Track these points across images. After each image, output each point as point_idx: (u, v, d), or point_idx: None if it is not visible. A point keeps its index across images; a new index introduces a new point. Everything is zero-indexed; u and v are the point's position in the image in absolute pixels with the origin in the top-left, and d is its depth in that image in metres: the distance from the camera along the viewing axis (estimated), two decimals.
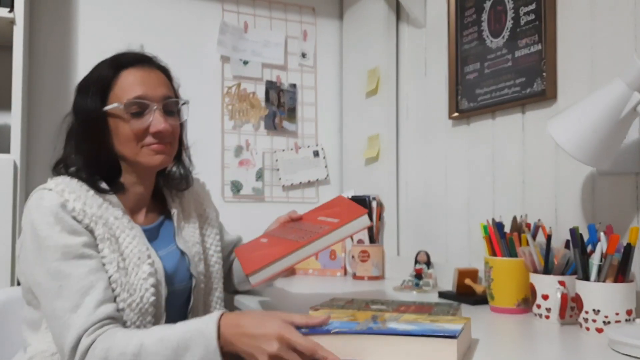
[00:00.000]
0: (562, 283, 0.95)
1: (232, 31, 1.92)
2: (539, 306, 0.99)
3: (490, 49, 1.38)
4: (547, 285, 0.97)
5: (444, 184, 1.56)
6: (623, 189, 1.06)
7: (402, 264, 1.63)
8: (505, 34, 1.33)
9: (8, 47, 1.47)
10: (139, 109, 0.96)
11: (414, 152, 1.70)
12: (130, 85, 0.96)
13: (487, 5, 1.39)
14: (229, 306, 1.23)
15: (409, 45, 1.74)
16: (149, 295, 0.92)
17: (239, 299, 1.23)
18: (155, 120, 0.96)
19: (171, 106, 1.01)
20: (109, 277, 0.90)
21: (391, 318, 0.82)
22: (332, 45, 2.10)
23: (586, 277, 0.91)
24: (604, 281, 0.89)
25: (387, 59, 1.77)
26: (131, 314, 0.90)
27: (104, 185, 0.98)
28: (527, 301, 1.06)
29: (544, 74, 1.21)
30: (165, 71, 1.04)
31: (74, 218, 0.90)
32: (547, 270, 1.00)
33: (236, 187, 1.92)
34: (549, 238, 1.01)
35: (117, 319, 0.88)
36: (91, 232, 0.91)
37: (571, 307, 0.95)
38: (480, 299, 1.17)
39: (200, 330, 0.81)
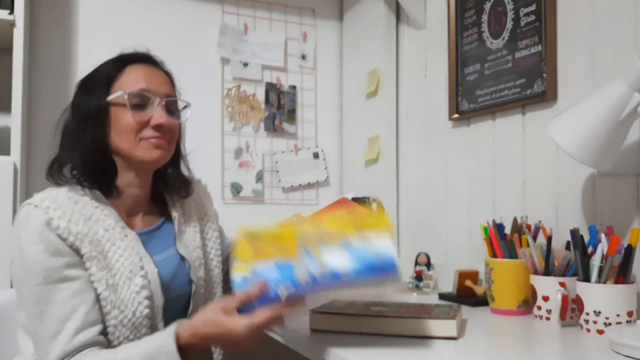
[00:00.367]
0: (562, 284, 0.95)
1: (232, 33, 1.92)
2: (539, 308, 0.99)
3: (491, 50, 1.38)
4: (548, 287, 0.97)
5: (444, 185, 1.56)
6: (624, 190, 1.06)
7: (402, 266, 1.63)
8: (506, 35, 1.33)
9: (8, 50, 1.47)
10: (141, 101, 0.95)
11: (414, 154, 1.70)
12: (136, 78, 0.96)
13: (487, 6, 1.39)
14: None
15: (409, 46, 1.74)
16: (142, 309, 0.91)
17: None
18: (157, 113, 0.96)
19: (172, 105, 1.01)
20: (99, 295, 0.88)
21: (323, 246, 0.80)
22: (332, 46, 2.10)
23: (587, 279, 0.91)
24: (604, 282, 0.89)
25: (387, 60, 1.77)
26: (123, 330, 0.90)
27: (97, 193, 0.95)
28: (528, 303, 1.06)
29: (544, 75, 1.21)
30: (169, 75, 1.04)
31: (59, 236, 0.87)
32: (548, 271, 1.00)
33: (236, 189, 1.92)
34: (549, 239, 1.01)
35: (99, 343, 0.87)
36: (77, 250, 0.89)
37: (572, 309, 0.95)
38: (481, 301, 1.17)
39: (161, 346, 0.83)
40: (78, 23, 1.75)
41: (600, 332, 0.87)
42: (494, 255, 1.11)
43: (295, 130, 2.02)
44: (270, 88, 1.98)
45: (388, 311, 0.91)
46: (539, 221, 1.12)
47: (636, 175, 1.04)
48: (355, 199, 1.73)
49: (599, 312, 0.87)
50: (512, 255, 1.09)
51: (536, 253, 1.02)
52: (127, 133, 0.95)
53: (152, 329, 0.94)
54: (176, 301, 1.00)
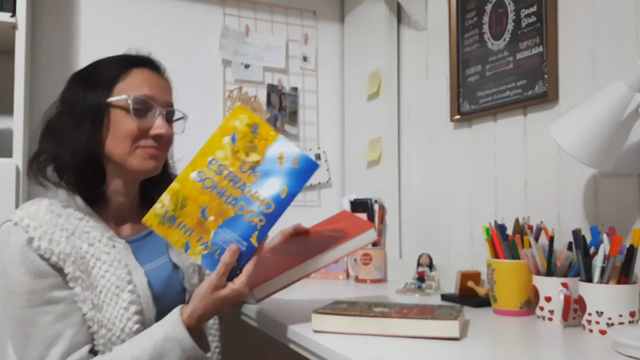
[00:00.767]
0: (565, 285, 0.95)
1: (234, 35, 1.93)
2: (542, 308, 0.99)
3: (492, 52, 1.38)
4: (550, 287, 0.97)
5: (445, 186, 1.56)
6: (625, 191, 1.06)
7: (404, 267, 1.63)
8: (507, 36, 1.33)
9: (10, 52, 1.48)
10: (143, 107, 0.92)
11: (415, 155, 1.70)
12: (141, 83, 0.93)
13: (488, 7, 1.40)
14: (236, 312, 1.23)
15: (410, 48, 1.75)
16: (132, 325, 0.88)
17: (247, 305, 1.22)
18: (158, 123, 0.94)
19: (171, 115, 0.99)
20: (84, 315, 0.86)
21: (245, 187, 0.85)
22: (334, 48, 2.10)
23: (589, 279, 0.91)
24: (607, 283, 0.88)
25: (389, 61, 1.77)
26: (113, 347, 0.87)
27: (81, 201, 0.92)
28: (530, 303, 1.06)
29: (546, 76, 1.21)
30: (170, 83, 1.02)
31: (41, 256, 0.84)
32: (550, 272, 1.00)
33: None
34: (551, 240, 1.01)
35: None
36: (60, 270, 0.86)
37: (574, 309, 0.95)
38: (483, 302, 1.17)
39: (169, 336, 0.84)
40: (80, 25, 1.76)
41: (603, 332, 0.87)
42: (496, 256, 1.11)
43: (297, 131, 2.02)
44: (272, 90, 1.99)
45: (390, 312, 0.91)
46: (541, 222, 1.12)
47: (638, 175, 1.04)
48: (357, 201, 1.73)
49: (602, 313, 0.87)
50: (514, 256, 1.09)
51: (538, 254, 1.02)
52: (124, 139, 0.91)
53: None
54: (169, 310, 0.98)
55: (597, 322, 0.87)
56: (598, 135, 0.92)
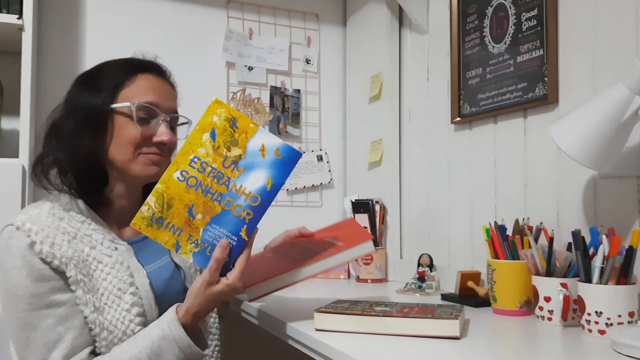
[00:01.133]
0: (564, 285, 0.96)
1: (237, 37, 1.94)
2: (541, 308, 1.00)
3: (492, 55, 1.39)
4: (550, 288, 0.98)
5: (446, 187, 1.57)
6: (625, 192, 1.07)
7: (405, 267, 1.64)
8: (507, 39, 1.35)
9: (17, 53, 1.50)
10: (147, 115, 0.93)
11: (416, 156, 1.71)
12: (146, 89, 0.93)
13: (489, 11, 1.41)
14: (236, 310, 1.24)
15: (411, 50, 1.76)
16: (134, 327, 0.88)
17: (247, 303, 1.23)
18: (161, 130, 0.94)
19: (175, 121, 0.99)
20: (86, 318, 0.86)
21: (230, 181, 0.85)
22: (336, 51, 2.12)
23: (588, 280, 0.91)
24: (606, 283, 0.89)
25: (390, 64, 1.79)
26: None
27: (83, 204, 0.92)
28: (530, 303, 1.07)
29: (546, 78, 1.23)
30: (175, 87, 1.02)
31: (43, 260, 0.84)
32: (550, 272, 1.01)
33: None
34: (551, 241, 1.02)
35: None
36: (62, 273, 0.86)
37: (573, 309, 0.96)
38: (483, 302, 1.18)
39: (165, 335, 0.84)
40: (85, 28, 1.77)
41: (602, 332, 0.88)
42: (496, 256, 1.12)
43: (300, 133, 2.03)
44: (275, 92, 2.00)
45: (391, 311, 0.92)
46: (541, 223, 1.13)
47: (637, 177, 1.05)
48: (358, 201, 1.74)
49: (601, 313, 0.88)
50: (514, 256, 1.10)
51: (538, 254, 1.03)
52: (127, 145, 0.92)
53: None
54: None
55: (596, 322, 0.88)
56: (598, 137, 0.93)
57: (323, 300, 1.14)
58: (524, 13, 1.29)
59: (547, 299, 0.99)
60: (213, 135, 0.86)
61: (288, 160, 0.86)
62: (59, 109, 0.97)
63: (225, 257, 0.85)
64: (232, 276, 0.85)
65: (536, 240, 1.08)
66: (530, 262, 1.04)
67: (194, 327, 0.87)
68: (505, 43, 1.35)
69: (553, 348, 0.85)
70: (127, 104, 0.92)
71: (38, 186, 0.94)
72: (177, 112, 0.99)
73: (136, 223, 0.85)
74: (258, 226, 0.88)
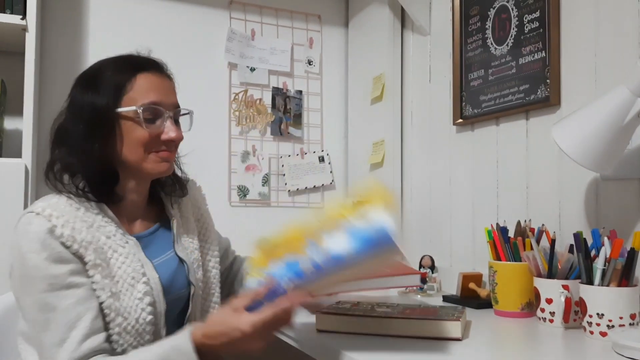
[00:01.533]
0: (566, 287, 0.96)
1: (240, 38, 1.95)
2: (543, 310, 1.00)
3: (495, 56, 1.39)
4: (551, 289, 0.98)
5: (448, 189, 1.58)
6: (626, 194, 1.07)
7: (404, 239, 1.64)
8: (510, 41, 1.35)
9: (20, 54, 1.50)
10: (152, 115, 0.94)
11: (418, 158, 1.72)
12: (147, 89, 0.95)
13: (492, 13, 1.41)
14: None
15: (413, 52, 1.76)
16: (145, 315, 0.90)
17: None
18: (167, 127, 0.96)
19: (179, 115, 1.01)
20: (101, 304, 0.87)
21: (325, 235, 0.79)
22: (338, 52, 2.12)
23: (590, 282, 0.92)
24: (607, 285, 0.89)
25: (392, 65, 1.79)
26: (127, 337, 0.89)
27: (97, 195, 0.94)
28: (531, 305, 1.07)
29: (548, 80, 1.23)
30: (173, 80, 1.03)
31: (63, 244, 0.86)
32: (551, 274, 1.01)
33: (243, 191, 1.94)
34: (552, 242, 1.02)
35: (105, 351, 0.86)
36: (80, 258, 0.87)
37: (575, 311, 0.96)
38: (485, 303, 1.18)
39: (176, 346, 0.83)
40: (88, 28, 1.78)
41: (604, 334, 0.88)
42: (497, 258, 1.12)
43: (301, 134, 2.04)
44: (277, 93, 2.00)
45: (393, 312, 0.92)
46: (543, 225, 1.13)
47: (639, 179, 1.05)
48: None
49: (602, 315, 0.88)
50: (516, 258, 1.10)
51: (540, 256, 1.03)
52: (137, 146, 0.94)
53: (155, 335, 0.94)
54: (175, 304, 1.00)
55: (598, 324, 0.88)
56: (599, 139, 0.93)
57: (341, 297, 1.14)
58: (526, 15, 1.30)
59: (549, 301, 0.99)
60: (351, 204, 0.82)
61: (373, 243, 0.76)
62: (62, 114, 0.98)
63: (261, 295, 0.81)
64: (250, 317, 0.80)
65: (538, 242, 1.08)
66: (532, 264, 1.04)
67: (207, 348, 0.85)
68: (507, 45, 1.36)
69: (554, 350, 0.86)
70: (133, 107, 0.93)
71: (51, 188, 0.95)
72: (179, 106, 1.01)
73: (258, 243, 0.87)
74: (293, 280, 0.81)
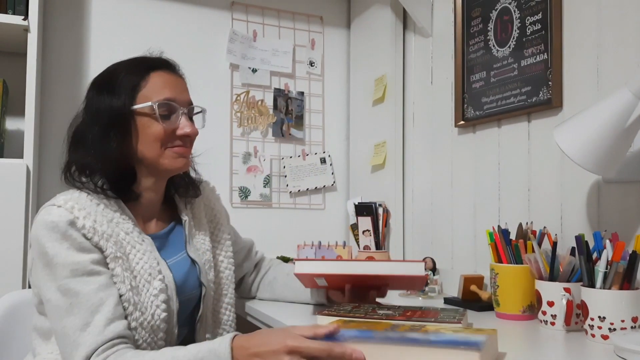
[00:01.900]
0: (567, 290, 0.96)
1: (242, 40, 1.95)
2: (544, 313, 1.00)
3: (497, 58, 1.39)
4: (553, 292, 0.98)
5: (449, 191, 1.57)
6: (629, 197, 1.06)
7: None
8: (512, 43, 1.35)
9: (22, 54, 1.50)
10: (166, 111, 0.96)
11: (420, 160, 1.71)
12: (161, 87, 0.97)
13: (494, 15, 1.41)
14: (240, 312, 1.24)
15: (415, 54, 1.76)
16: (160, 312, 0.92)
17: (250, 305, 1.23)
18: (182, 123, 0.98)
19: (192, 112, 1.03)
20: (121, 296, 0.89)
21: (412, 329, 0.79)
22: (340, 53, 2.12)
23: (592, 284, 0.91)
24: (609, 288, 0.89)
25: (394, 67, 1.79)
26: (142, 332, 0.90)
27: (116, 193, 0.96)
28: (533, 308, 1.07)
29: (550, 82, 1.23)
30: (185, 79, 1.05)
31: (84, 236, 0.88)
32: (553, 277, 1.01)
33: (244, 193, 1.94)
34: (554, 245, 1.01)
35: (127, 337, 0.87)
36: (101, 249, 0.89)
37: (577, 314, 0.96)
38: (486, 305, 1.17)
39: (213, 350, 0.79)
40: (90, 29, 1.78)
41: (605, 337, 0.88)
42: (499, 260, 1.12)
43: (303, 135, 2.04)
44: (279, 94, 2.00)
45: (394, 314, 0.92)
46: (544, 227, 1.13)
47: None
48: (361, 204, 1.74)
49: (604, 318, 0.88)
50: (517, 260, 1.10)
51: (541, 258, 1.03)
52: (153, 142, 0.96)
53: (168, 333, 0.95)
54: (187, 304, 1.02)
55: (600, 327, 0.88)
56: (601, 142, 0.93)
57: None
58: (529, 17, 1.29)
59: (550, 304, 0.99)
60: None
61: (455, 342, 0.73)
62: (79, 117, 1.00)
63: (320, 334, 0.76)
64: (297, 339, 0.74)
65: (539, 244, 1.08)
66: (533, 267, 1.04)
67: (240, 349, 0.81)
68: (509, 47, 1.35)
69: (556, 353, 0.85)
70: (148, 103, 0.95)
71: (70, 186, 0.97)
72: (192, 103, 1.03)
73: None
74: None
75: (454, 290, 1.38)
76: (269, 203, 1.98)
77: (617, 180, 1.08)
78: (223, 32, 1.93)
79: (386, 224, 1.75)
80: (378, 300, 1.08)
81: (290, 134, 2.01)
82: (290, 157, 2.01)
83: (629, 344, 0.77)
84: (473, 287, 1.26)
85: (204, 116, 1.07)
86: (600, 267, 0.90)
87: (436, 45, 1.66)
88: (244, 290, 1.27)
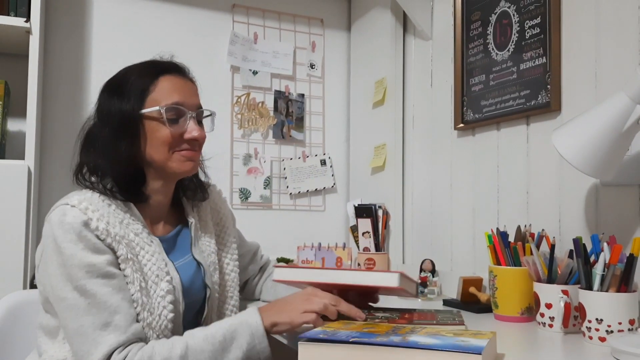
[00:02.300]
0: (565, 292, 0.96)
1: (242, 42, 1.96)
2: (542, 315, 1.00)
3: (496, 62, 1.40)
4: (551, 294, 0.98)
5: (449, 193, 1.58)
6: (626, 200, 1.07)
7: (407, 272, 1.64)
8: (511, 46, 1.35)
9: (24, 56, 1.51)
10: (175, 115, 0.97)
11: (419, 162, 1.72)
12: (170, 91, 0.98)
13: (493, 18, 1.42)
14: None
15: (415, 57, 1.77)
16: (167, 313, 0.93)
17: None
18: (190, 127, 0.98)
19: (201, 116, 1.04)
20: (131, 296, 0.90)
21: (412, 331, 0.80)
22: (340, 56, 2.13)
23: (589, 287, 0.92)
24: (606, 291, 0.90)
25: (394, 70, 1.80)
26: (150, 332, 0.91)
27: (125, 195, 0.97)
28: (531, 310, 1.07)
29: (549, 86, 1.23)
30: (195, 83, 1.06)
31: (97, 237, 0.89)
32: (551, 279, 1.01)
33: (244, 194, 1.94)
34: (552, 248, 1.02)
35: (143, 340, 0.89)
36: (113, 250, 0.91)
37: (574, 316, 0.97)
38: (485, 308, 1.18)
39: (244, 320, 0.88)
40: (92, 31, 1.79)
41: (602, 339, 0.88)
42: (497, 262, 1.13)
43: (303, 137, 2.05)
44: (279, 96, 2.01)
45: (391, 317, 0.93)
46: (542, 230, 1.13)
47: (638, 185, 1.05)
48: (361, 206, 1.75)
49: (601, 320, 0.88)
50: (516, 262, 1.10)
51: (539, 261, 1.03)
52: (161, 146, 0.97)
53: (175, 333, 0.95)
54: (192, 306, 1.02)
55: (597, 329, 0.89)
56: (599, 145, 0.94)
57: None
58: (528, 21, 1.30)
59: (548, 306, 0.99)
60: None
61: (457, 347, 0.72)
62: (91, 119, 1.01)
63: (332, 304, 0.90)
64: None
65: (538, 247, 1.09)
66: (531, 269, 1.04)
67: (270, 325, 0.91)
68: (508, 50, 1.36)
69: (554, 355, 0.86)
70: (156, 107, 0.96)
71: (80, 187, 0.98)
72: (201, 107, 1.04)
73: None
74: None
75: (452, 292, 1.39)
76: (269, 204, 1.98)
77: (615, 184, 1.09)
78: (224, 34, 1.93)
79: (386, 225, 1.76)
80: (371, 304, 1.08)
81: (290, 136, 2.02)
82: (291, 158, 2.02)
83: (626, 346, 0.77)
84: (472, 289, 1.27)
85: (213, 119, 1.07)
86: (598, 270, 0.91)
87: (436, 48, 1.67)
88: (248, 292, 1.28)
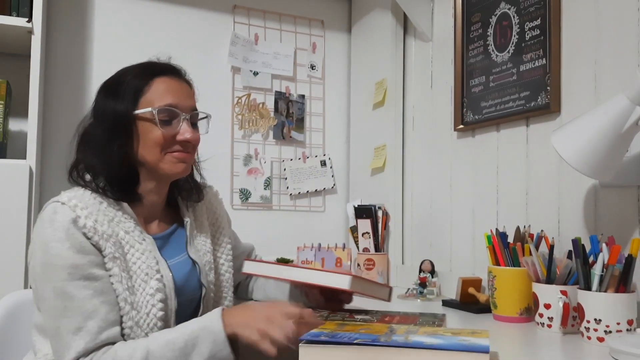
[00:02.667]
0: (564, 292, 0.97)
1: (243, 43, 1.96)
2: (541, 315, 1.01)
3: (496, 63, 1.40)
4: (550, 295, 0.99)
5: (448, 194, 1.58)
6: (625, 201, 1.08)
7: (406, 273, 1.65)
8: (511, 48, 1.36)
9: (26, 56, 1.51)
10: (168, 117, 0.97)
11: (419, 163, 1.73)
12: (163, 92, 0.98)
13: (493, 20, 1.42)
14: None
15: (415, 58, 1.77)
16: (156, 311, 0.93)
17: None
18: (183, 129, 0.98)
19: (196, 118, 1.04)
20: (117, 296, 0.90)
21: (409, 331, 0.79)
22: (340, 57, 2.14)
23: (588, 287, 0.92)
24: (605, 291, 0.90)
25: (394, 71, 1.80)
26: (139, 331, 0.91)
27: (117, 195, 0.98)
28: (530, 310, 1.08)
29: (548, 87, 1.24)
30: (191, 85, 1.06)
31: (84, 235, 0.89)
32: (550, 279, 1.02)
33: (245, 195, 1.95)
34: (551, 248, 1.02)
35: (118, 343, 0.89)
36: (100, 249, 0.91)
37: (573, 317, 0.97)
38: (484, 308, 1.18)
39: (206, 326, 0.86)
40: (93, 31, 1.80)
41: (601, 339, 0.88)
42: (497, 263, 1.13)
43: (304, 138, 2.05)
44: (280, 97, 2.02)
45: (372, 320, 0.91)
46: (542, 230, 1.13)
47: (637, 187, 1.06)
48: (361, 207, 1.75)
49: (600, 320, 0.89)
50: (515, 263, 1.11)
51: (538, 261, 1.04)
52: (153, 147, 0.97)
53: None
54: (187, 305, 1.03)
55: (595, 330, 0.89)
56: (599, 146, 0.94)
57: None
58: (528, 22, 1.31)
59: (547, 306, 0.99)
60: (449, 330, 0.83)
61: (463, 347, 0.72)
62: (87, 118, 1.02)
63: (307, 315, 0.87)
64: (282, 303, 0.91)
65: (537, 247, 1.09)
66: (530, 269, 1.05)
67: (233, 336, 0.89)
68: (508, 52, 1.37)
69: (552, 355, 0.86)
70: (149, 109, 0.96)
71: (73, 186, 0.98)
72: (196, 109, 1.04)
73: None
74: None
75: (452, 292, 1.39)
76: (269, 205, 1.99)
77: (614, 185, 1.09)
78: (225, 35, 1.94)
79: (385, 226, 1.76)
80: (346, 306, 1.09)
81: (290, 137, 2.03)
82: (291, 159, 2.02)
83: (624, 347, 0.77)
84: (471, 290, 1.27)
85: (209, 122, 1.07)
86: (597, 270, 0.91)
87: (436, 49, 1.67)
88: (241, 291, 1.29)
